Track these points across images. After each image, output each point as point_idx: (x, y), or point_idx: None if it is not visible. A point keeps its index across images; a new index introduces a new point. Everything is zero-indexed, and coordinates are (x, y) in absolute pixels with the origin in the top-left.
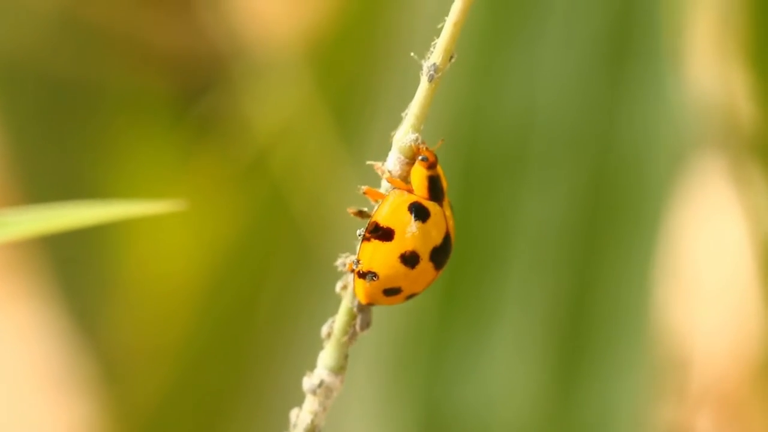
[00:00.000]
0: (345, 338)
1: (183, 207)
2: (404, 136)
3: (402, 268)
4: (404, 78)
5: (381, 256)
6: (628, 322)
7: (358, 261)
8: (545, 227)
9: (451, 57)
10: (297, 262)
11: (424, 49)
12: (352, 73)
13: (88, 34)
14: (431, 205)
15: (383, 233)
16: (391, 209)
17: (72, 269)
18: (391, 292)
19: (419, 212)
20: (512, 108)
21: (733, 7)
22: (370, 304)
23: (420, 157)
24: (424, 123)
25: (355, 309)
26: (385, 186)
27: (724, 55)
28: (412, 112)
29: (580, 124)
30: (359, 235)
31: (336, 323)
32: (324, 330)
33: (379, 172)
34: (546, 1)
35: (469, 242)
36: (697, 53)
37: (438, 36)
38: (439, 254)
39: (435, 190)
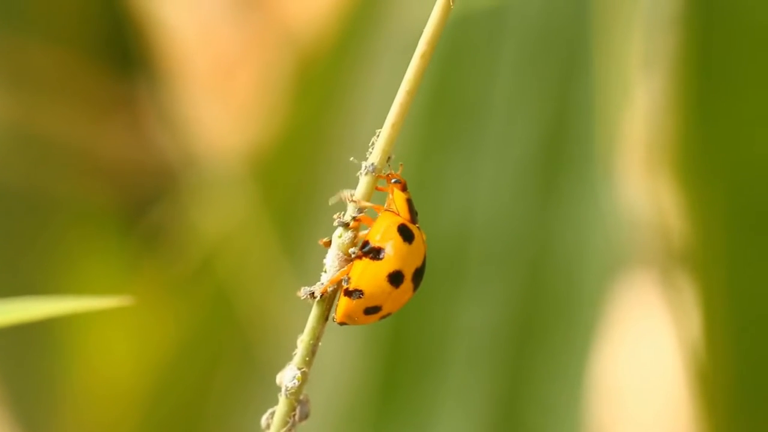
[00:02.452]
0: (284, 429)
1: (129, 302)
2: (344, 233)
3: (387, 287)
4: (345, 187)
5: (370, 275)
6: (559, 427)
7: (348, 278)
8: (482, 333)
9: (389, 158)
10: (241, 364)
11: (364, 157)
12: (294, 183)
13: (37, 145)
14: (413, 228)
15: (375, 252)
16: (383, 229)
17: (20, 376)
18: (371, 310)
19: (406, 233)
20: (450, 217)
21: (663, 125)
22: (343, 323)
23: (393, 180)
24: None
25: (294, 401)
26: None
27: (654, 170)
28: (350, 212)
29: (515, 234)
30: (352, 253)
31: (276, 414)
32: (263, 421)
33: (346, 201)
34: (483, 113)
35: (408, 345)
36: (629, 168)
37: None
38: (419, 275)
39: (413, 213)
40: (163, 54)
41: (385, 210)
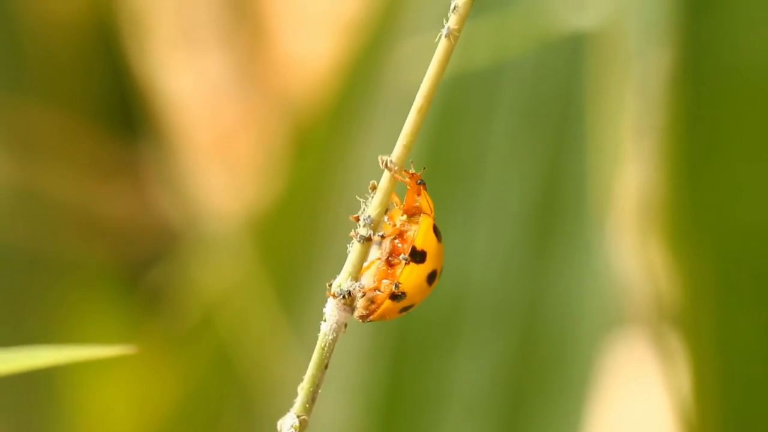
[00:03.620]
0: None
1: (130, 351)
2: (344, 282)
3: (424, 286)
4: (343, 244)
5: (414, 278)
6: None
7: (398, 283)
8: (477, 389)
9: (387, 210)
10: (241, 421)
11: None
12: (292, 242)
13: (40, 206)
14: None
15: (420, 256)
16: (423, 232)
17: None
18: (405, 309)
19: (437, 233)
20: (445, 274)
21: (654, 189)
22: (368, 320)
23: (418, 181)
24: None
25: None
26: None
27: (645, 232)
28: (350, 260)
29: (510, 293)
30: (400, 260)
31: None
32: None
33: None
34: (477, 173)
35: (405, 400)
36: (620, 230)
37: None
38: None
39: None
40: (165, 118)
41: (423, 213)
